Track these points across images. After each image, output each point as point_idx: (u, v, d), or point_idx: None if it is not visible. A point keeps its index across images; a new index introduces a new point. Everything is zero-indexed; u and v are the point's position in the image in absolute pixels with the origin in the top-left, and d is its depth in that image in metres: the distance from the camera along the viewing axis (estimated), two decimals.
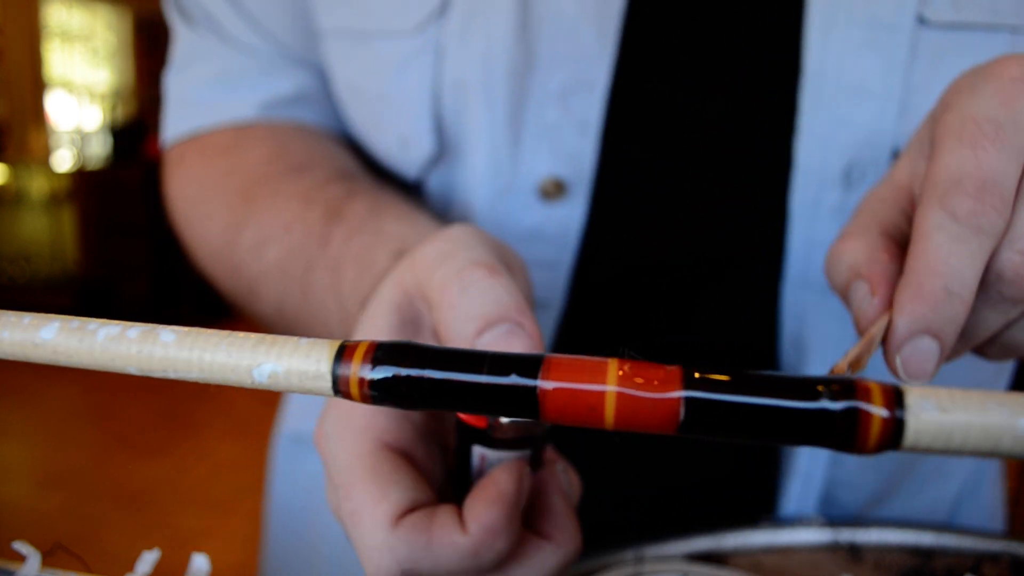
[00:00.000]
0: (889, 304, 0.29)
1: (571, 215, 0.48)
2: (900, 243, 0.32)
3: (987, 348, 0.32)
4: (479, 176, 0.48)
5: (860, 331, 0.31)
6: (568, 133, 0.46)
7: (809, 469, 0.50)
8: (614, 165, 0.48)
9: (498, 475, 0.27)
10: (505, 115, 0.46)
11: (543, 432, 0.29)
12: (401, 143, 0.50)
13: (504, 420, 0.27)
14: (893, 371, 0.28)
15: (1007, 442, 0.18)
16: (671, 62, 0.47)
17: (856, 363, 0.27)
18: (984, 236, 0.27)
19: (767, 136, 0.46)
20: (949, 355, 0.30)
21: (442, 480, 0.31)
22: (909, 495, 0.54)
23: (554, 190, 0.47)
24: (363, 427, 0.29)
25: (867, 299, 0.30)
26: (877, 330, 0.29)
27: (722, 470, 0.54)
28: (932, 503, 0.56)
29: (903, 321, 0.27)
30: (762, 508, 0.52)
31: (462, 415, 0.28)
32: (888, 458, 0.52)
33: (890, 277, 0.30)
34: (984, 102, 0.29)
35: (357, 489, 0.28)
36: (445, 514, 0.27)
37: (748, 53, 0.46)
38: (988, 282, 0.28)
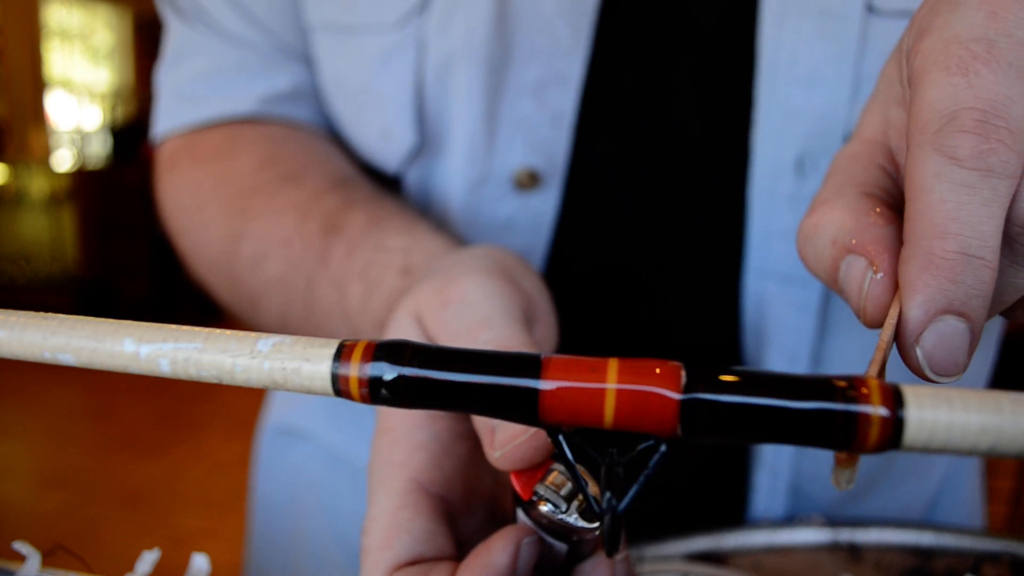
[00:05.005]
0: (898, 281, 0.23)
1: (545, 205, 0.49)
2: (889, 203, 0.26)
3: (1013, 311, 0.26)
4: (456, 167, 0.49)
5: (867, 321, 0.24)
6: (542, 125, 0.48)
7: (775, 462, 0.51)
8: (587, 157, 0.49)
9: (494, 543, 0.25)
10: (482, 107, 0.47)
11: (590, 538, 0.26)
12: (383, 136, 0.51)
13: (543, 509, 0.25)
14: (915, 371, 0.23)
15: (1008, 441, 0.18)
16: (642, 57, 0.48)
17: (882, 370, 0.22)
18: (998, 178, 0.22)
19: (729, 129, 0.47)
20: None
21: (479, 527, 0.30)
22: (887, 491, 0.54)
23: (528, 181, 0.48)
24: (400, 463, 0.29)
25: (869, 278, 0.24)
26: (891, 321, 0.23)
27: (694, 463, 0.54)
28: (910, 499, 0.56)
29: (917, 301, 0.22)
30: (734, 502, 0.53)
31: (515, 480, 0.26)
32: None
33: (891, 244, 0.24)
34: (967, 18, 0.24)
35: (374, 527, 0.28)
36: (439, 575, 0.27)
37: (710, 48, 0.47)
38: (1012, 235, 0.23)
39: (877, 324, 0.24)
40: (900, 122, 0.28)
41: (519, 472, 0.26)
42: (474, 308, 0.31)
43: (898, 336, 0.23)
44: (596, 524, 0.25)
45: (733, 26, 0.46)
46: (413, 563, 0.27)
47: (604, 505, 0.22)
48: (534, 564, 0.26)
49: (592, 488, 0.25)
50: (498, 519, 0.31)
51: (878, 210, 0.26)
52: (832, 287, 0.26)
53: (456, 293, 0.32)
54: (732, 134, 0.47)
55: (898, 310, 0.23)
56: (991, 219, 0.22)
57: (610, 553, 0.23)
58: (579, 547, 0.27)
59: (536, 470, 0.26)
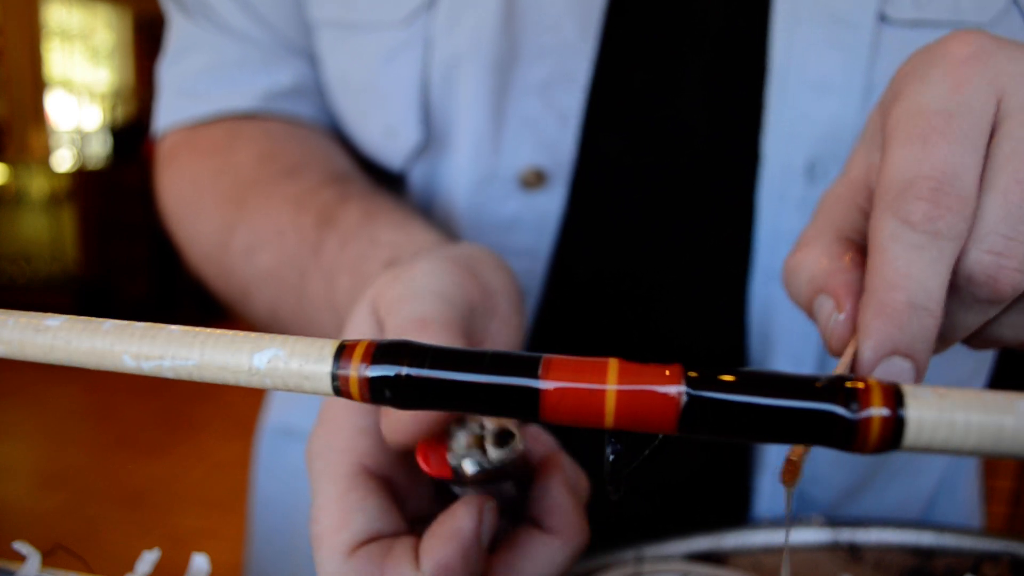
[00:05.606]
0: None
1: (550, 204, 0.49)
2: (862, 247, 0.30)
3: (968, 342, 0.30)
4: (462, 165, 0.49)
5: (833, 353, 0.29)
6: (549, 124, 0.48)
7: (777, 464, 0.51)
8: (593, 156, 0.49)
9: (457, 510, 0.26)
10: (488, 105, 0.47)
11: (519, 461, 0.28)
12: (387, 133, 0.51)
13: (468, 470, 0.26)
14: None
15: (1008, 441, 0.18)
16: (650, 57, 0.48)
17: None
18: (945, 240, 0.26)
19: (737, 131, 0.47)
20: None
21: (426, 507, 0.30)
22: (880, 490, 0.54)
23: (534, 180, 0.48)
24: (344, 448, 0.29)
25: (834, 317, 0.28)
26: (846, 359, 0.27)
27: (694, 463, 0.54)
28: (905, 498, 0.56)
29: (869, 344, 0.26)
30: (737, 503, 0.53)
31: (425, 467, 0.27)
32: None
33: (855, 289, 0.28)
34: (932, 90, 0.27)
35: (324, 513, 0.28)
36: (402, 547, 0.27)
37: (720, 50, 0.47)
38: (959, 286, 0.27)
39: (839, 355, 0.28)
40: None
41: (425, 457, 0.27)
42: (410, 284, 0.31)
43: (853, 370, 0.26)
44: (514, 444, 0.27)
45: (741, 27, 0.46)
46: (371, 540, 0.27)
47: (608, 448, 0.23)
48: (494, 528, 0.27)
49: (492, 423, 0.27)
50: (445, 498, 0.31)
51: (848, 256, 0.30)
52: (809, 318, 0.30)
53: (407, 275, 0.32)
54: (741, 136, 0.47)
55: (854, 348, 0.26)
56: (936, 276, 0.26)
57: (614, 497, 0.24)
58: (521, 478, 0.28)
59: (437, 448, 0.27)
